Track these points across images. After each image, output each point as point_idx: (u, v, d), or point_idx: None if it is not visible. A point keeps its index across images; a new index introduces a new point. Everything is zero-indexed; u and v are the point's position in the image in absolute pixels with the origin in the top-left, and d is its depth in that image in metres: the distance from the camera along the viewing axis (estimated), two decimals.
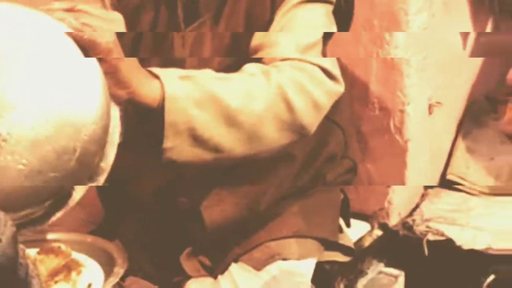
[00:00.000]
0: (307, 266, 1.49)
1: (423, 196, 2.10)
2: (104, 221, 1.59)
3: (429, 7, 1.89)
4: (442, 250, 1.90)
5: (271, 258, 1.45)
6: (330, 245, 1.56)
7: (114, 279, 1.20)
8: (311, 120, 1.27)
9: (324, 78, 1.29)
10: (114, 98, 1.06)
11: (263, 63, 1.30)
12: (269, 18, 1.34)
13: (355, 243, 1.75)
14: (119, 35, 1.09)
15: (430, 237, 1.92)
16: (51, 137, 0.87)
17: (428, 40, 1.91)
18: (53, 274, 1.18)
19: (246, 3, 1.35)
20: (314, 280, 1.50)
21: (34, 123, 0.86)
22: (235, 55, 1.33)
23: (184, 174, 1.41)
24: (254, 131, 1.20)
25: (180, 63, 1.33)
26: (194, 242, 1.48)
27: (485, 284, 1.82)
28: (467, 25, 2.11)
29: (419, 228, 1.96)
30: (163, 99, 1.12)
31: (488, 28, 2.19)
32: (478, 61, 2.21)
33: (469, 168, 2.12)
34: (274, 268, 1.45)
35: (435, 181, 2.13)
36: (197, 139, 1.15)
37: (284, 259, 1.46)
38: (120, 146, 1.03)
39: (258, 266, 1.45)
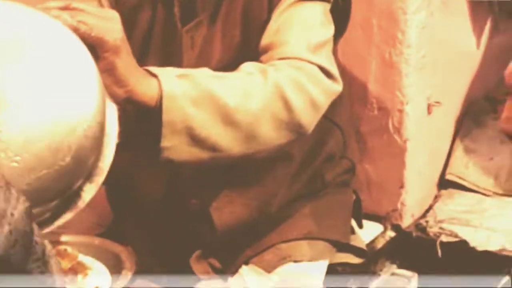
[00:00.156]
0: (319, 268, 1.49)
1: (436, 197, 2.09)
2: (113, 223, 1.59)
3: (428, 6, 1.89)
4: (456, 251, 1.89)
5: (282, 260, 1.45)
6: (342, 246, 1.56)
7: (122, 282, 1.18)
8: (309, 119, 1.26)
9: (322, 77, 1.28)
10: (112, 97, 1.06)
11: (261, 62, 1.29)
12: (266, 17, 1.34)
13: (368, 245, 1.74)
14: (128, 34, 1.09)
15: (444, 238, 1.91)
16: (45, 134, 0.87)
17: (427, 39, 1.91)
18: None
19: (243, 2, 1.35)
20: (325, 282, 1.50)
21: (28, 120, 0.86)
22: (245, 55, 1.32)
23: (188, 175, 1.40)
24: (252, 130, 1.19)
25: (177, 62, 1.33)
26: (204, 244, 1.48)
27: (500, 285, 1.81)
28: (466, 25, 2.10)
29: (433, 229, 1.95)
30: (160, 98, 1.11)
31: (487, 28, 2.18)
32: (478, 60, 2.20)
33: (468, 168, 2.12)
34: (285, 270, 1.44)
35: (434, 181, 2.13)
36: (194, 138, 1.15)
37: (295, 261, 1.45)
38: (118, 146, 1.02)
39: (269, 268, 1.44)
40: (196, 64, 1.32)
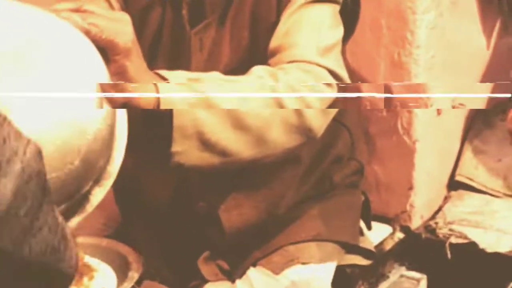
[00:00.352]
0: (327, 270, 1.48)
1: (445, 199, 2.09)
2: (121, 225, 1.59)
3: (437, 6, 1.88)
4: (465, 253, 1.88)
5: (290, 262, 1.45)
6: (351, 248, 1.55)
7: (128, 284, 1.18)
8: (319, 123, 1.26)
9: (332, 80, 1.28)
10: None
11: (270, 64, 1.29)
12: (275, 19, 1.33)
13: (377, 246, 1.74)
14: (137, 36, 1.08)
15: (453, 240, 1.90)
16: (54, 136, 0.86)
17: (436, 40, 1.90)
18: None
19: (251, 4, 1.34)
20: (334, 284, 1.49)
21: (36, 122, 0.85)
22: (254, 57, 1.31)
23: (195, 178, 1.40)
24: (262, 134, 1.18)
25: (186, 64, 1.33)
26: (212, 246, 1.48)
27: (510, 287, 1.80)
28: (476, 25, 2.09)
29: (442, 231, 1.94)
30: None
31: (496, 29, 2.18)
32: (487, 61, 2.19)
33: (477, 169, 2.11)
34: (293, 272, 1.44)
35: (443, 182, 2.12)
36: (205, 143, 1.14)
37: (304, 263, 1.45)
38: (127, 149, 1.02)
39: (277, 270, 1.44)
40: (205, 66, 1.32)
